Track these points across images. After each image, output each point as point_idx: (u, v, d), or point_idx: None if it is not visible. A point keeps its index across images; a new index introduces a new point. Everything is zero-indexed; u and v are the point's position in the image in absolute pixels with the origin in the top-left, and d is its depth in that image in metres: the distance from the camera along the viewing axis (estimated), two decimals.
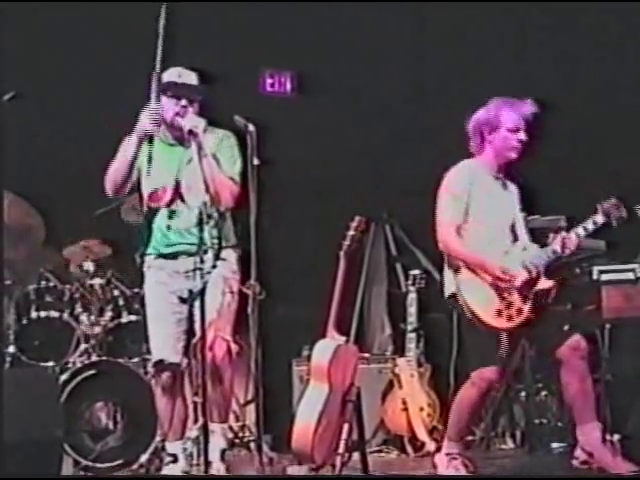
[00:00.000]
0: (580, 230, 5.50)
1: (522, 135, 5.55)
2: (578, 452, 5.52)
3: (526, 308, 5.40)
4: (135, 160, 5.29)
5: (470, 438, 6.45)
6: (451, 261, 5.53)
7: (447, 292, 5.57)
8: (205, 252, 4.80)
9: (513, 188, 5.70)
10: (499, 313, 5.39)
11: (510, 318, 5.39)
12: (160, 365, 5.39)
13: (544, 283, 5.45)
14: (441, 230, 5.51)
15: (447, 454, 5.55)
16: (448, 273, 5.56)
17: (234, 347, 5.31)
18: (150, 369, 5.64)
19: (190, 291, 4.75)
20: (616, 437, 5.88)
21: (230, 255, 5.39)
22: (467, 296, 5.43)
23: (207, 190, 5.17)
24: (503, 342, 5.40)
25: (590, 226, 5.50)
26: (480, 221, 5.51)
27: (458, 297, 5.44)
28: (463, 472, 5.49)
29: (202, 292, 4.73)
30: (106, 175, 5.36)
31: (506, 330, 5.40)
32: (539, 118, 5.61)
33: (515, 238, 5.61)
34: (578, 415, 5.47)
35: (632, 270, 6.42)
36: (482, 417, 6.50)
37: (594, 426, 5.43)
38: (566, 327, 5.58)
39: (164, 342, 5.41)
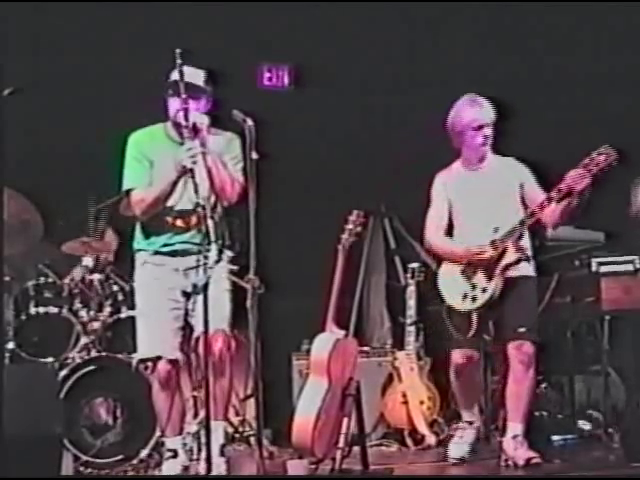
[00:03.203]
0: (553, 194, 5.66)
1: (487, 131, 5.88)
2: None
3: (491, 286, 5.76)
4: (172, 193, 5.31)
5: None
6: (436, 257, 6.12)
7: None
8: (208, 247, 4.81)
9: (498, 169, 5.93)
10: (464, 296, 5.82)
11: (474, 299, 5.80)
12: (157, 361, 5.39)
13: (509, 257, 5.77)
14: (426, 231, 6.03)
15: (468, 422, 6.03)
16: None
17: (233, 343, 5.33)
18: (144, 365, 5.63)
19: (194, 285, 4.74)
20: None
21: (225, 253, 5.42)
22: (441, 286, 5.95)
23: (212, 185, 5.17)
24: (471, 325, 5.79)
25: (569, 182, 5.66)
26: (464, 217, 5.92)
27: None
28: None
29: (205, 287, 4.73)
30: (139, 200, 5.38)
31: (475, 311, 5.79)
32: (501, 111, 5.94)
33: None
34: (509, 411, 5.85)
35: (631, 262, 6.42)
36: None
37: (518, 427, 5.77)
38: (521, 329, 5.77)
39: (161, 338, 5.41)
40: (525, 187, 5.88)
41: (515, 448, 5.75)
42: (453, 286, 5.88)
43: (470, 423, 6.09)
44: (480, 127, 5.86)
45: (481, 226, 5.82)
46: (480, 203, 5.89)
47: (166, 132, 5.53)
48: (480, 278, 5.78)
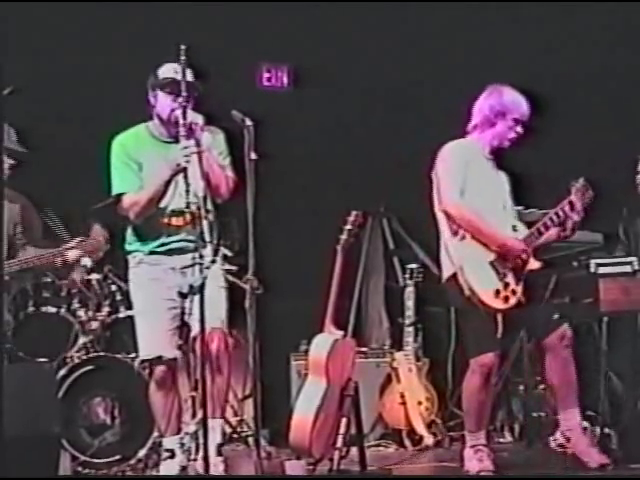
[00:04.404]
0: (559, 210, 5.66)
1: (520, 129, 5.69)
2: (557, 435, 5.72)
3: (519, 290, 5.53)
4: (165, 193, 5.30)
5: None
6: (455, 229, 5.55)
7: (447, 273, 5.58)
8: (204, 247, 4.80)
9: (502, 173, 5.82)
10: (497, 293, 5.47)
11: (506, 299, 5.49)
12: (158, 361, 5.40)
13: (533, 264, 5.62)
14: (446, 193, 5.56)
15: (472, 446, 5.61)
16: (450, 252, 5.57)
17: (230, 340, 5.32)
18: (144, 365, 5.63)
19: (191, 286, 4.74)
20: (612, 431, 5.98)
21: (221, 252, 5.43)
22: (470, 273, 5.44)
23: (208, 184, 5.16)
24: (498, 325, 5.47)
25: (566, 207, 5.67)
26: (476, 197, 5.56)
27: (459, 276, 5.45)
28: (488, 463, 5.53)
29: (202, 287, 4.72)
30: (132, 203, 5.37)
31: (501, 311, 5.48)
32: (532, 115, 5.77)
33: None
34: (561, 401, 5.68)
35: (630, 263, 6.41)
36: (495, 404, 6.47)
37: (575, 412, 5.64)
38: (555, 316, 5.68)
39: (160, 338, 5.41)
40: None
41: (589, 444, 5.61)
42: (484, 277, 5.47)
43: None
44: (518, 122, 5.65)
45: (495, 218, 5.60)
46: (493, 193, 5.68)
47: (149, 132, 5.49)
48: (511, 278, 5.49)
